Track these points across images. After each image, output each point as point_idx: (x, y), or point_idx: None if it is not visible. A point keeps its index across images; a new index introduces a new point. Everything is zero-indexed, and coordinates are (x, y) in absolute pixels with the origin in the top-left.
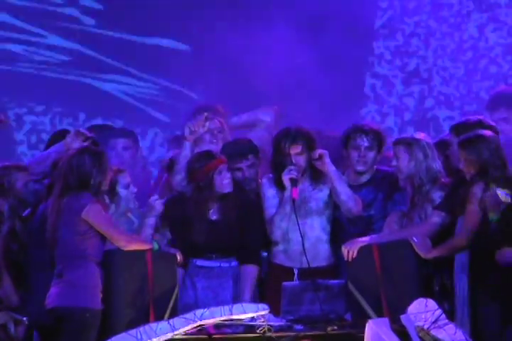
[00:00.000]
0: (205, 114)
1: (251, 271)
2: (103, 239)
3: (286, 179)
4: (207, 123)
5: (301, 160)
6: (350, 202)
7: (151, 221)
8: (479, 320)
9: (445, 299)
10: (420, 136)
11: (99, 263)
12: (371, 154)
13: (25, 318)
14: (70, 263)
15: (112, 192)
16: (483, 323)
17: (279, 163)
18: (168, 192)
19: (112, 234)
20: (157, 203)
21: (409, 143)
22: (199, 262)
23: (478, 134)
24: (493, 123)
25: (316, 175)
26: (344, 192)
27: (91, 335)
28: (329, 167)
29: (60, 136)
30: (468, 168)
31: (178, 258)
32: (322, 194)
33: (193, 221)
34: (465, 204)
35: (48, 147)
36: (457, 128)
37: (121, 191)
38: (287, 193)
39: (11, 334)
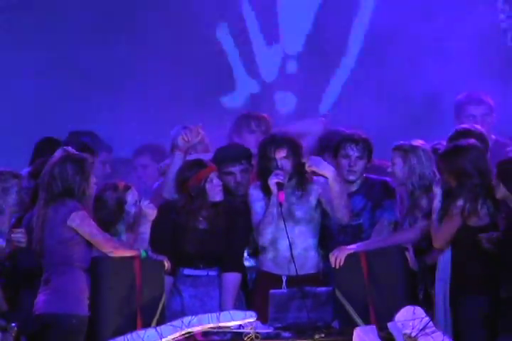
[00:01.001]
0: (199, 124)
1: (232, 278)
2: (90, 245)
3: (272, 183)
4: (200, 134)
5: (287, 165)
6: (343, 210)
7: (146, 227)
8: (461, 329)
9: (430, 308)
10: (418, 143)
11: (86, 270)
12: (361, 163)
13: (14, 324)
14: (56, 270)
15: (120, 210)
16: (465, 334)
17: (265, 169)
18: (160, 198)
19: (98, 240)
20: (150, 207)
21: (406, 150)
22: (186, 271)
23: (455, 146)
24: (481, 131)
25: (302, 182)
26: (340, 204)
27: None
28: (328, 173)
29: (45, 143)
30: (448, 179)
31: (166, 265)
32: (309, 201)
33: (183, 230)
34: (447, 214)
35: (34, 155)
36: (450, 139)
37: (130, 209)
38: (274, 197)
39: None
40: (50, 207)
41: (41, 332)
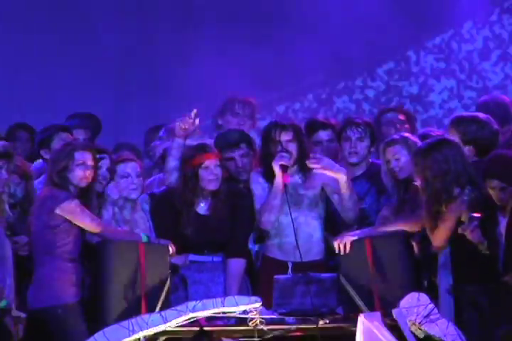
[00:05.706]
0: (194, 110)
1: (236, 264)
2: (79, 235)
3: (276, 165)
4: (197, 120)
5: (293, 148)
6: (350, 212)
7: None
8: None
9: (434, 296)
10: (404, 134)
11: (72, 260)
12: (362, 145)
13: (23, 315)
14: (38, 260)
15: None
16: (467, 326)
17: (269, 153)
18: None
19: (91, 226)
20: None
21: (405, 142)
22: (191, 257)
23: (436, 141)
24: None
25: (305, 167)
26: (349, 206)
27: (74, 329)
28: (340, 175)
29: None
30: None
31: (171, 249)
32: (313, 186)
33: (181, 214)
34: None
35: (40, 145)
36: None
37: (117, 180)
38: (277, 180)
39: (8, 331)
40: (44, 191)
41: (35, 326)
